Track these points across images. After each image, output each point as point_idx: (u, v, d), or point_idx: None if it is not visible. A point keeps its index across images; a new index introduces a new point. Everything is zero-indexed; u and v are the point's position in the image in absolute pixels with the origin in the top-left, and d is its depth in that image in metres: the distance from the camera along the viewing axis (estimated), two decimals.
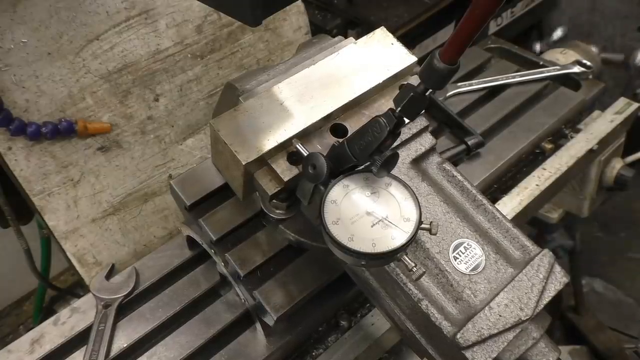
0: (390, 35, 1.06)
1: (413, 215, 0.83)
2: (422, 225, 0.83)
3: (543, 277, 0.88)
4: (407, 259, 0.81)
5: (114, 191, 1.41)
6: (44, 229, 1.63)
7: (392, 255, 0.80)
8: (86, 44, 1.31)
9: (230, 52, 1.54)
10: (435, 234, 0.85)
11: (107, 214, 1.41)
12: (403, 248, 0.81)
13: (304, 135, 0.94)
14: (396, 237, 0.81)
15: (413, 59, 1.03)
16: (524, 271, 0.88)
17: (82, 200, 1.37)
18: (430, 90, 0.77)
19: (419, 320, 0.90)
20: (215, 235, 1.14)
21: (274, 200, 1.00)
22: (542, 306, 0.86)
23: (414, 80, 0.90)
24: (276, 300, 1.07)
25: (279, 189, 0.92)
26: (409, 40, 2.19)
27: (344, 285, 1.15)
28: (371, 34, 1.06)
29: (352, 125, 0.97)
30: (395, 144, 0.92)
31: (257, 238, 1.14)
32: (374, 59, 1.02)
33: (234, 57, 1.55)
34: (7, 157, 1.26)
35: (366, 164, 0.86)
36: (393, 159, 0.84)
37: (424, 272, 0.81)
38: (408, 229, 0.82)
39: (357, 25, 2.14)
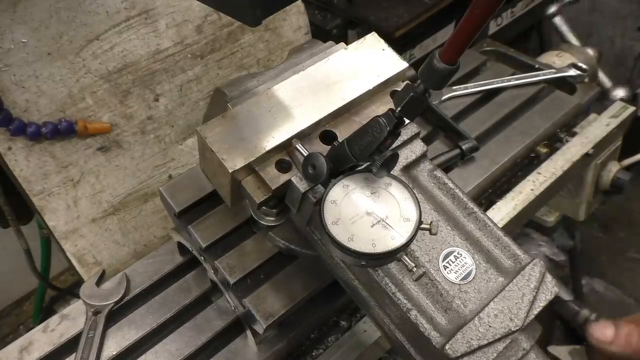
0: (382, 40, 1.05)
1: (413, 215, 0.83)
2: (422, 225, 0.82)
3: (534, 287, 0.86)
4: (407, 259, 0.80)
5: (114, 191, 1.42)
6: (44, 229, 1.64)
7: (392, 255, 0.80)
8: (86, 44, 1.32)
9: (230, 52, 1.54)
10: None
11: (107, 214, 1.41)
12: (403, 248, 0.80)
13: None
14: (396, 237, 0.81)
15: (404, 64, 1.02)
16: (514, 281, 0.87)
17: (82, 200, 1.37)
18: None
19: (408, 330, 0.89)
20: (204, 242, 1.12)
21: (263, 207, 0.98)
22: (533, 316, 0.84)
23: None
24: (266, 308, 1.05)
25: (266, 197, 0.90)
26: (409, 40, 2.17)
27: (336, 292, 1.15)
28: (362, 39, 1.04)
29: (342, 132, 0.96)
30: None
31: (247, 245, 1.12)
32: (364, 65, 1.00)
33: (234, 57, 1.55)
34: (7, 157, 1.27)
35: (366, 164, 0.86)
36: (393, 159, 0.84)
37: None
38: (408, 229, 0.81)
39: (357, 25, 2.12)
